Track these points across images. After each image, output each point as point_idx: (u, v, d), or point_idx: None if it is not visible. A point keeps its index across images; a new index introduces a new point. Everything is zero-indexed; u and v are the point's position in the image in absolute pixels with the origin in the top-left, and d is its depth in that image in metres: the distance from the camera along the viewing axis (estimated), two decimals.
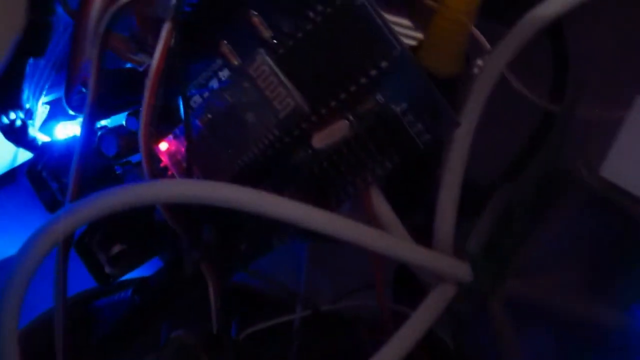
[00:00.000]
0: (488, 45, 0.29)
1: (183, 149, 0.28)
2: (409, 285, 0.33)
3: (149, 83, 0.26)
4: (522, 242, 0.29)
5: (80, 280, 0.32)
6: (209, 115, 0.27)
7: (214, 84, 0.28)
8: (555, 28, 0.32)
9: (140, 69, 0.27)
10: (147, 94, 0.26)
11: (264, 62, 0.26)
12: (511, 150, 0.35)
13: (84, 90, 0.27)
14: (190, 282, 0.30)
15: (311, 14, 0.26)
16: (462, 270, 0.29)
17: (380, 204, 0.28)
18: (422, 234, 0.30)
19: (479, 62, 0.29)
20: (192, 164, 0.27)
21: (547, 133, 0.33)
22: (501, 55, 0.28)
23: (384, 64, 0.25)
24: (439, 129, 0.26)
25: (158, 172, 0.28)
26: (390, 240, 0.28)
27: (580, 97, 0.29)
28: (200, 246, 0.29)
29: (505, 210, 0.33)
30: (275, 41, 0.26)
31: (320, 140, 0.27)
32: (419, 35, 0.28)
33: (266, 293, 0.37)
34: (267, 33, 0.26)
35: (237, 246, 0.30)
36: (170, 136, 0.28)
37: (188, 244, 0.29)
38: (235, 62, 0.27)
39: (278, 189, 0.28)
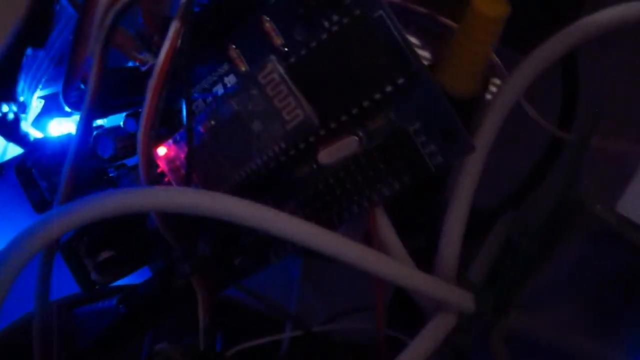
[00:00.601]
0: (505, 70, 0.28)
1: (182, 156, 0.26)
2: (405, 309, 0.31)
3: (152, 84, 0.24)
4: (528, 275, 0.28)
5: (63, 284, 0.30)
6: (212, 122, 0.26)
7: (219, 89, 0.26)
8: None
9: (143, 69, 0.26)
10: (149, 95, 0.24)
11: (275, 69, 0.24)
12: (516, 175, 0.34)
13: (82, 87, 0.26)
14: (180, 295, 0.28)
15: (326, 23, 0.24)
16: (464, 300, 0.27)
17: (384, 226, 0.27)
18: (422, 257, 0.28)
19: (493, 88, 0.28)
20: (191, 172, 0.26)
21: (555, 159, 0.32)
22: (518, 82, 0.26)
23: (400, 81, 0.23)
24: (453, 152, 0.24)
25: (154, 178, 0.26)
26: (392, 265, 0.26)
27: (595, 127, 0.27)
28: (193, 258, 0.27)
29: (509, 239, 0.32)
30: (286, 49, 0.25)
31: (327, 155, 0.25)
32: (426, 54, 0.27)
33: (256, 308, 0.35)
34: (278, 40, 0.25)
35: (232, 260, 0.28)
36: (170, 141, 0.27)
37: (180, 255, 0.27)
38: (243, 68, 0.26)
39: (278, 203, 0.26)
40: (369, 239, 0.27)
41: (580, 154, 0.27)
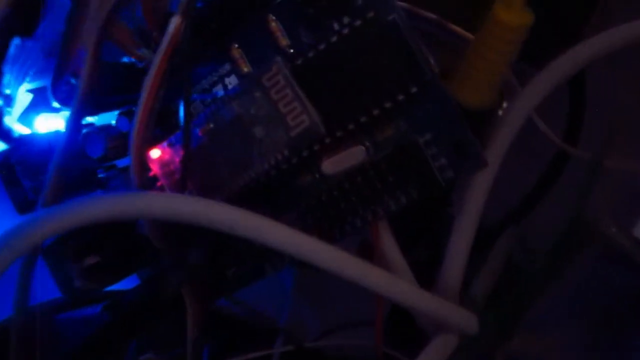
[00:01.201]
0: (517, 83, 0.27)
1: (178, 159, 0.24)
2: (403, 326, 0.30)
3: (148, 82, 0.23)
4: (534, 298, 0.26)
5: (45, 288, 0.29)
6: (211, 125, 0.24)
7: (219, 90, 0.24)
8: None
9: (140, 65, 0.24)
10: (145, 94, 0.23)
11: (280, 71, 0.22)
12: (520, 187, 0.33)
13: (73, 81, 0.24)
14: (168, 305, 0.27)
15: (336, 26, 0.23)
16: (468, 321, 0.26)
17: (388, 242, 0.25)
18: (420, 269, 0.27)
19: (504, 103, 0.27)
20: (186, 177, 0.24)
21: (559, 174, 0.31)
22: (532, 96, 0.25)
23: (413, 90, 0.22)
24: (465, 166, 0.23)
25: (146, 182, 0.24)
26: (395, 283, 0.25)
27: (609, 145, 0.26)
28: (185, 267, 0.26)
29: (512, 257, 0.30)
30: (292, 50, 0.23)
31: (331, 165, 0.24)
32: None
33: (246, 319, 0.33)
34: (284, 41, 0.23)
35: (225, 270, 0.26)
36: (165, 143, 0.25)
37: (171, 263, 0.26)
38: (246, 69, 0.24)
39: (277, 213, 0.25)
40: (368, 252, 0.26)
41: (594, 173, 0.26)
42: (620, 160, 0.26)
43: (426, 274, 0.27)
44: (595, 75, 0.29)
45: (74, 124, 0.24)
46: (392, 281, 0.25)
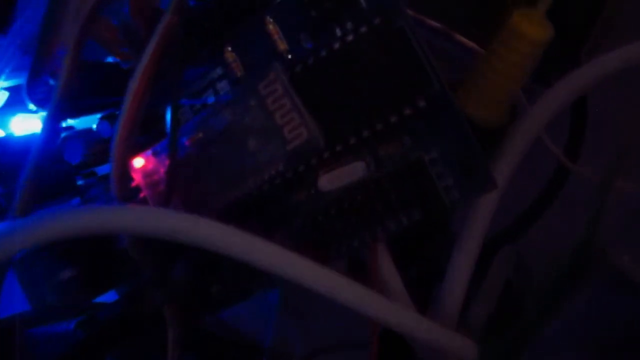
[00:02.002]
0: (525, 101, 0.25)
1: (163, 170, 0.22)
2: (394, 349, 0.28)
3: (133, 85, 0.20)
4: (538, 327, 0.24)
5: (15, 301, 0.26)
6: (200, 134, 0.22)
7: (210, 96, 0.22)
8: None
9: (125, 66, 0.22)
10: (129, 97, 0.21)
11: (278, 79, 0.20)
12: (516, 205, 0.31)
13: (51, 82, 0.22)
14: (147, 324, 0.24)
15: (339, 31, 0.21)
16: (467, 350, 0.24)
17: (386, 265, 0.23)
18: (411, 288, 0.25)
19: None
20: (171, 190, 0.22)
21: (560, 190, 0.29)
22: (542, 116, 0.23)
23: (422, 103, 0.20)
24: (472, 188, 0.21)
25: (127, 192, 0.22)
26: (392, 309, 0.23)
27: (620, 169, 0.24)
28: (167, 284, 0.23)
29: (512, 281, 0.28)
30: (290, 56, 0.21)
31: (329, 181, 0.22)
32: None
33: (229, 337, 0.31)
34: (282, 45, 0.21)
35: (209, 289, 0.24)
36: (149, 152, 0.23)
37: (152, 280, 0.23)
38: (239, 74, 0.22)
39: (268, 231, 0.23)
40: (358, 271, 0.24)
41: (603, 197, 0.24)
42: (631, 183, 0.24)
43: (418, 292, 0.25)
44: (599, 91, 0.28)
45: (51, 126, 0.22)
46: (390, 308, 0.23)
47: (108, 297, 0.27)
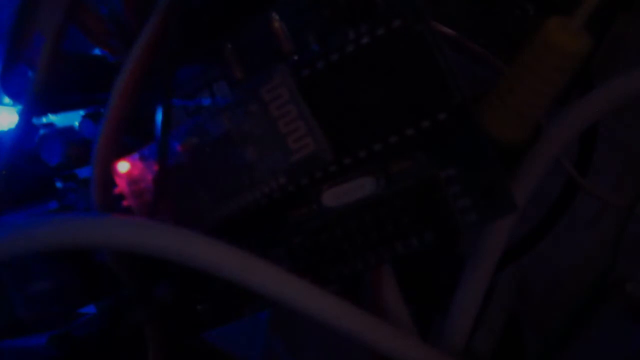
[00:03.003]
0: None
1: (150, 177, 0.20)
2: None
3: (121, 81, 0.18)
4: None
5: None
6: (194, 140, 0.19)
7: (206, 98, 0.20)
8: None
9: (112, 60, 0.19)
10: (116, 94, 0.18)
11: (284, 83, 0.18)
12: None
13: (30, 74, 0.19)
14: (127, 343, 0.22)
15: (352, 33, 0.18)
16: None
17: (391, 290, 0.21)
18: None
19: None
20: (159, 200, 0.19)
21: (568, 207, 0.27)
22: (562, 137, 0.21)
23: (442, 116, 0.18)
24: (491, 210, 0.19)
25: (109, 200, 0.20)
26: (397, 338, 0.20)
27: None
28: (149, 302, 0.21)
29: (515, 313, 0.26)
30: (297, 58, 0.19)
31: (334, 197, 0.19)
32: None
33: (215, 352, 0.28)
34: (289, 46, 0.19)
35: (196, 308, 0.22)
36: (136, 155, 0.20)
37: (134, 297, 0.21)
38: (239, 75, 0.19)
39: (264, 248, 0.20)
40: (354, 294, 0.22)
41: (624, 223, 0.22)
42: None
43: (420, 319, 0.23)
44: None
45: (27, 122, 0.20)
46: (394, 337, 0.20)
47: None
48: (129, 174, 0.20)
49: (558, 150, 0.22)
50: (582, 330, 0.23)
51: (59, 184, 0.23)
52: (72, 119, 0.23)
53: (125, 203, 0.20)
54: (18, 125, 0.19)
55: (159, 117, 0.20)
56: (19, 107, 0.24)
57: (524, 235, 0.29)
